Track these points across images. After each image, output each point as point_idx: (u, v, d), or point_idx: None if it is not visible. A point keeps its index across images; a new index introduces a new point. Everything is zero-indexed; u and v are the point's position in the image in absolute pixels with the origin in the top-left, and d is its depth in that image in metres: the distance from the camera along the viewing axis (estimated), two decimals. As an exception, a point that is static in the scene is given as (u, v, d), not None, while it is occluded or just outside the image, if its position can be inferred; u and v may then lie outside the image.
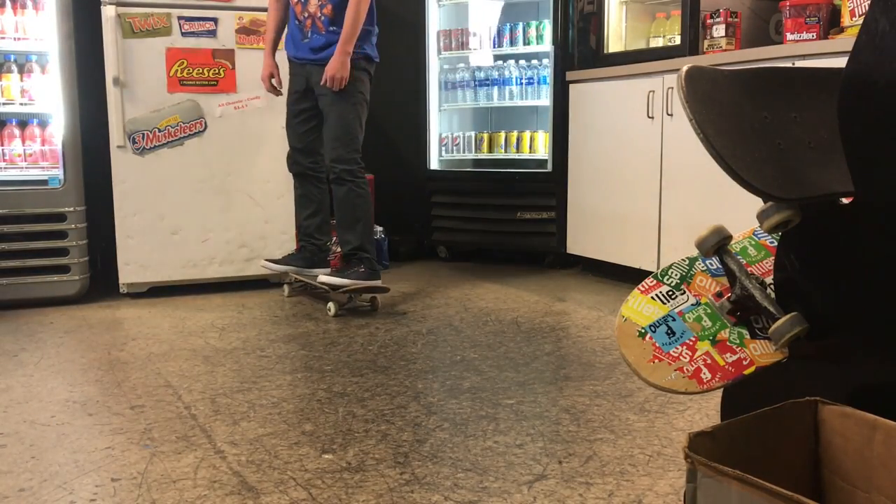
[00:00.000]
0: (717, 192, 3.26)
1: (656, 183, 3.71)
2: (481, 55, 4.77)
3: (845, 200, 1.34)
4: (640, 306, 1.53)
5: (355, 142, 3.49)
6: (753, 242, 1.65)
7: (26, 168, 3.71)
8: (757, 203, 1.36)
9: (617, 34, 4.26)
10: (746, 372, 1.40)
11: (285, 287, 3.90)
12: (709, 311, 1.51)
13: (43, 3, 3.65)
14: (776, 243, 1.50)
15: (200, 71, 3.82)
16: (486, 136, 4.74)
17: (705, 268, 1.60)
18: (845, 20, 3.14)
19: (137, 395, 2.37)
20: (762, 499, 0.98)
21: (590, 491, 1.69)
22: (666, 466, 1.81)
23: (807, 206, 1.33)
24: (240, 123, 3.92)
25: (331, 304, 3.46)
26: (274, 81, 3.65)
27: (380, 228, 4.63)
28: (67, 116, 3.65)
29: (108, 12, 3.65)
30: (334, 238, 3.80)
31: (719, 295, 1.52)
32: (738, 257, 1.55)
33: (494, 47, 4.70)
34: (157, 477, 1.78)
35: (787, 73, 1.49)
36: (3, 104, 3.67)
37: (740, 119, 1.34)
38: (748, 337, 1.45)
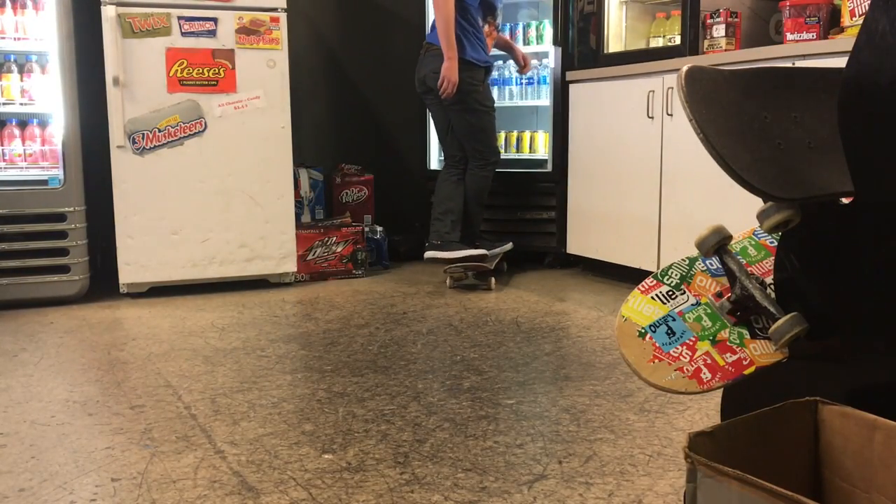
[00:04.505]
0: (718, 191, 3.26)
1: (656, 183, 3.71)
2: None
3: (845, 200, 1.34)
4: (640, 306, 1.53)
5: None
6: (753, 242, 1.65)
7: (26, 168, 3.71)
8: (757, 203, 1.36)
9: (617, 34, 4.26)
10: (746, 372, 1.40)
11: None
12: (709, 311, 1.51)
13: (43, 3, 3.65)
14: (776, 243, 1.50)
15: (200, 71, 3.82)
16: (486, 136, 4.73)
17: (705, 268, 1.60)
18: (845, 20, 3.13)
19: (137, 395, 2.37)
20: (762, 499, 0.98)
21: (590, 491, 1.69)
22: (666, 466, 1.81)
23: (807, 206, 1.33)
24: (240, 123, 3.92)
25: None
26: None
27: (380, 228, 4.64)
28: (67, 116, 3.65)
29: (108, 12, 3.65)
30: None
31: (719, 295, 1.52)
32: (738, 257, 1.55)
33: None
34: (157, 477, 1.78)
35: (787, 73, 1.49)
36: (3, 104, 3.67)
37: (740, 119, 1.34)
38: (748, 337, 1.45)
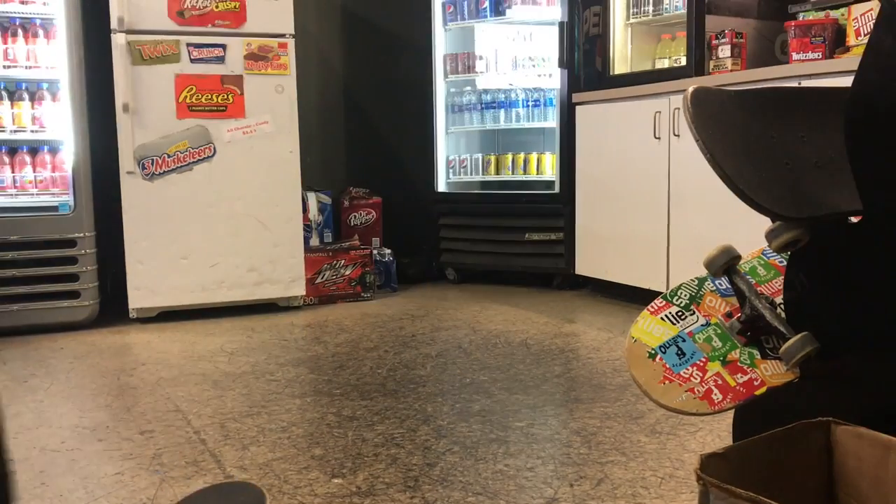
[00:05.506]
0: (726, 211, 3.25)
1: (664, 203, 3.71)
2: (488, 78, 4.80)
3: (854, 219, 1.34)
4: (650, 327, 1.53)
5: None
6: (762, 262, 1.65)
7: (37, 194, 3.74)
8: (765, 222, 1.35)
9: (622, 56, 4.28)
10: (758, 392, 1.39)
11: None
12: (719, 331, 1.50)
13: (54, 31, 3.70)
14: (785, 262, 1.49)
15: (209, 97, 3.85)
16: (493, 158, 4.76)
17: (714, 288, 1.59)
18: (850, 39, 3.15)
19: (147, 421, 2.37)
20: (776, 521, 0.97)
21: (602, 514, 1.67)
22: (678, 489, 1.80)
23: (815, 225, 1.33)
24: (248, 148, 3.94)
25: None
26: None
27: (388, 251, 4.64)
28: (78, 143, 3.68)
29: (118, 40, 3.69)
30: None
31: (729, 315, 1.52)
32: (748, 277, 1.54)
33: (514, 69, 4.74)
34: (167, 502, 1.77)
35: (793, 92, 1.50)
36: (15, 131, 3.70)
37: (747, 139, 1.34)
38: (759, 357, 1.44)
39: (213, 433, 2.24)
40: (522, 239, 4.54)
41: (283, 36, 3.96)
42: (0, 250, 3.59)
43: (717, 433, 2.14)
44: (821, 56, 3.22)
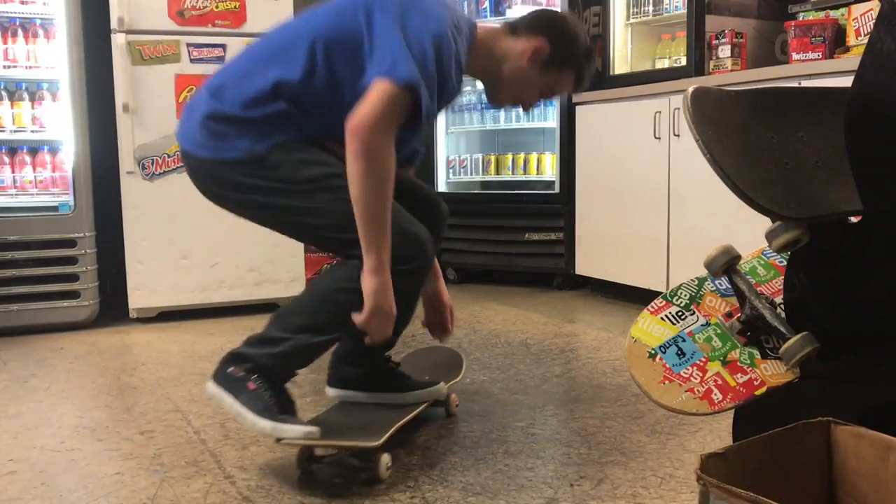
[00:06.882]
0: (726, 211, 3.25)
1: (664, 203, 3.71)
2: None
3: (854, 219, 1.34)
4: (650, 327, 1.53)
5: None
6: (762, 262, 1.65)
7: (37, 194, 3.74)
8: (765, 222, 1.36)
9: (622, 56, 4.28)
10: (758, 392, 1.39)
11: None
12: (719, 331, 1.50)
13: (54, 31, 3.70)
14: (785, 262, 1.49)
15: (209, 97, 3.84)
16: (493, 158, 4.76)
17: (714, 288, 1.60)
18: (850, 39, 3.15)
19: (147, 421, 2.37)
20: (776, 521, 0.97)
21: (602, 514, 1.67)
22: (678, 489, 1.80)
23: (815, 226, 1.33)
24: (248, 148, 3.93)
25: None
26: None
27: (388, 251, 4.64)
28: (78, 143, 3.68)
29: (119, 40, 3.69)
30: None
31: (729, 315, 1.52)
32: (748, 277, 1.54)
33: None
34: (167, 502, 1.78)
35: (793, 92, 1.50)
36: (15, 131, 3.70)
37: (747, 139, 1.34)
38: (759, 357, 1.44)
39: (213, 433, 2.24)
40: (522, 239, 4.54)
41: (283, 36, 3.96)
42: (0, 250, 3.59)
43: (718, 433, 2.14)
44: (821, 56, 3.22)
